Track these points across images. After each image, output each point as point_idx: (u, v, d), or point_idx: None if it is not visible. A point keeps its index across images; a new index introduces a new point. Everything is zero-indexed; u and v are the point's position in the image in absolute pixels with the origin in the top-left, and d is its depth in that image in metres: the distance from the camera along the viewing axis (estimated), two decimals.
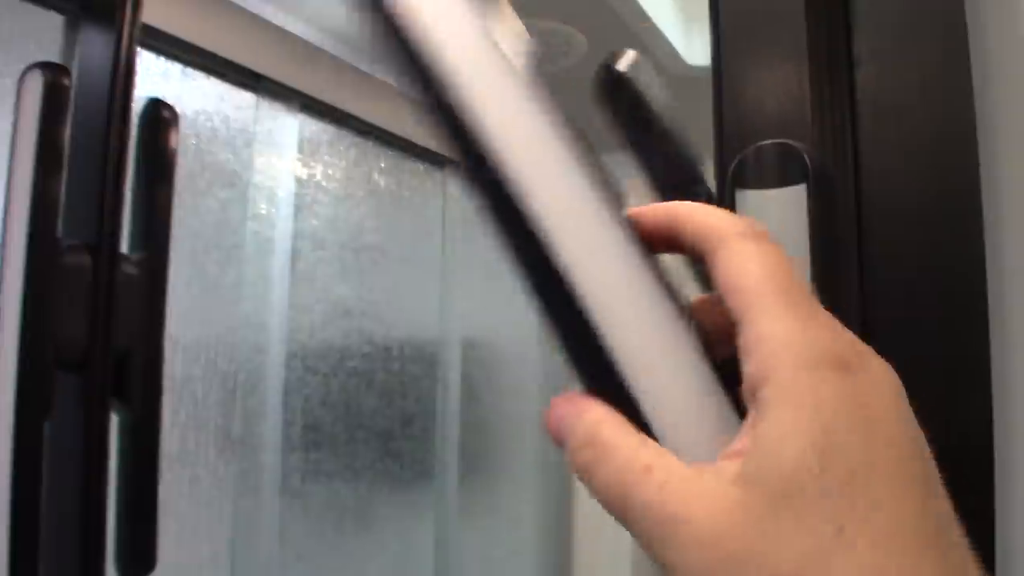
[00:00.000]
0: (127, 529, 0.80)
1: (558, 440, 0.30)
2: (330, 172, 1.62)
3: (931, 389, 0.50)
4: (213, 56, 1.33)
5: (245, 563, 1.36)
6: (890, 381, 0.25)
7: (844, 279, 0.49)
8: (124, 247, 0.78)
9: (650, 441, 0.27)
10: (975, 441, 0.49)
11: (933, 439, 0.48)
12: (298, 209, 1.52)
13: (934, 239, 0.51)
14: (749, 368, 0.25)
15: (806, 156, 0.47)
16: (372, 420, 1.69)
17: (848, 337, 0.25)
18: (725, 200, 0.49)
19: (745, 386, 0.25)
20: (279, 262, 1.45)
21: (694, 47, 2.00)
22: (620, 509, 0.27)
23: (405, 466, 1.79)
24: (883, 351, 0.49)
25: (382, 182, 1.77)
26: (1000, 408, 0.50)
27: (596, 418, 0.28)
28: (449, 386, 1.94)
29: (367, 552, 1.68)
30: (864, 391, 0.24)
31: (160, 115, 0.84)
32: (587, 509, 2.54)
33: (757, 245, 0.27)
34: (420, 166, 1.90)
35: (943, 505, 0.24)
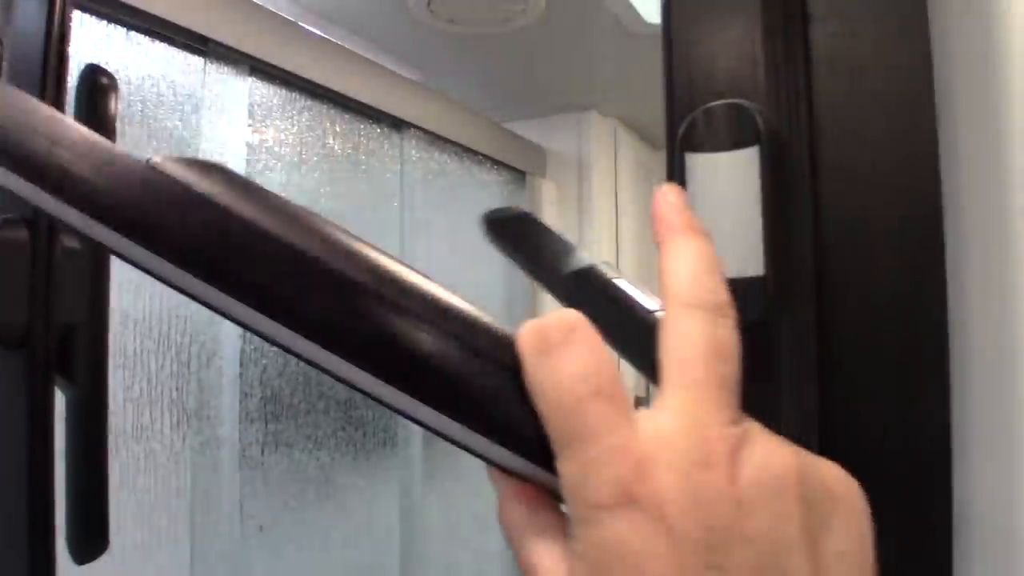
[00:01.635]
0: (77, 509, 0.79)
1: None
2: (282, 137, 1.59)
3: (887, 358, 0.49)
4: (158, 19, 1.29)
5: (205, 537, 1.34)
6: (677, 496, 0.24)
7: (798, 243, 0.47)
8: None
9: (545, 536, 0.27)
10: (932, 409, 0.49)
11: (888, 407, 0.47)
12: (250, 175, 1.49)
13: (890, 200, 0.50)
14: None
15: (758, 117, 0.46)
16: (332, 389, 1.67)
17: (629, 460, 0.25)
18: (675, 164, 0.47)
19: None
20: None
21: (653, 5, 1.97)
22: None
23: (368, 434, 1.78)
24: (838, 321, 0.47)
25: (337, 146, 1.74)
26: (958, 368, 0.50)
27: (506, 522, 0.29)
28: None
29: (331, 521, 1.68)
30: (640, 527, 0.24)
31: (98, 81, 0.81)
32: None
33: (546, 357, 0.27)
34: (376, 129, 1.87)
35: None
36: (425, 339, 0.27)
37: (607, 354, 0.27)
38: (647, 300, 0.34)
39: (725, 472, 0.24)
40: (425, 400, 0.27)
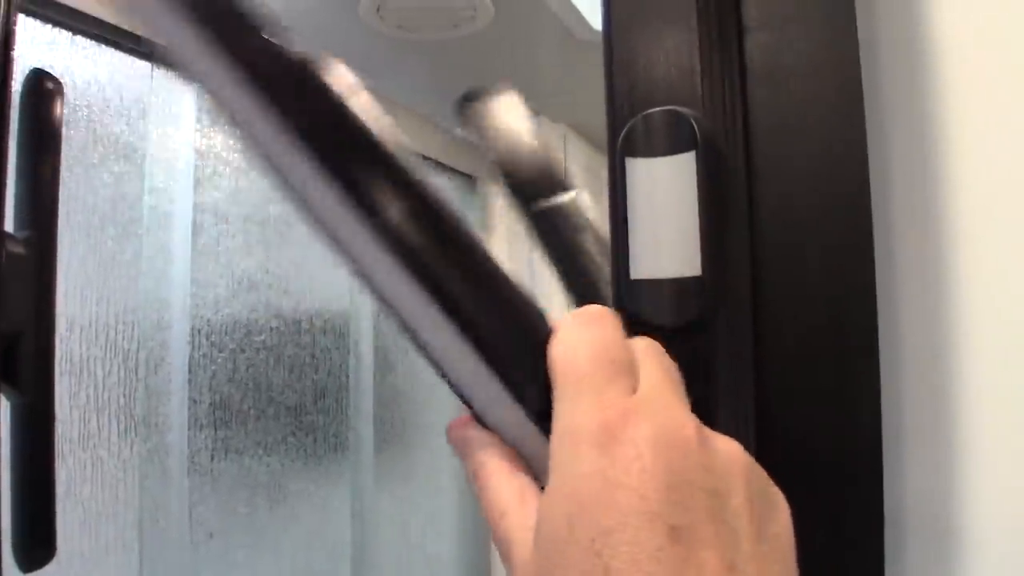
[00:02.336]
0: (23, 518, 0.78)
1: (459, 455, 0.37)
2: (231, 143, 1.58)
3: (820, 356, 0.51)
4: (104, 23, 1.28)
5: (154, 544, 1.33)
6: (653, 442, 0.28)
7: (734, 245, 0.49)
8: (9, 226, 0.75)
9: (515, 482, 0.33)
10: (863, 406, 0.50)
11: (821, 405, 0.48)
12: (198, 182, 1.48)
13: (822, 202, 0.52)
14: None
15: (695, 123, 0.47)
16: (283, 395, 1.67)
17: (618, 408, 0.29)
18: (616, 169, 0.49)
19: None
20: (179, 236, 1.41)
21: (599, 12, 2.00)
22: (492, 528, 0.33)
23: (319, 439, 1.77)
24: (773, 320, 0.49)
25: None
26: (889, 365, 0.52)
27: (479, 460, 0.35)
28: (361, 357, 1.93)
29: (282, 527, 1.67)
30: (618, 461, 0.28)
31: (43, 87, 0.80)
32: None
33: (576, 328, 0.33)
34: None
35: (694, 555, 0.27)
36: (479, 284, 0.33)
37: (623, 337, 0.33)
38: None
39: (696, 438, 0.29)
40: (459, 326, 0.33)
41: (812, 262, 0.51)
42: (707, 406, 0.40)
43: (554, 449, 0.30)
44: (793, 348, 0.51)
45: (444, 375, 0.35)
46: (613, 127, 0.48)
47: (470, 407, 0.35)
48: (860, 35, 0.53)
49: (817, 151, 0.52)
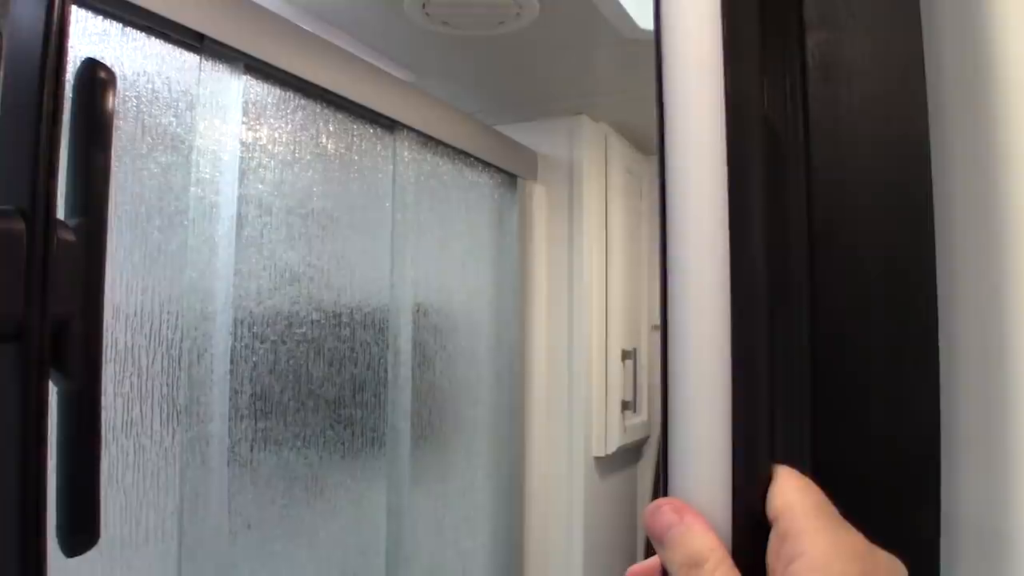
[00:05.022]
0: (69, 502, 0.79)
1: (654, 535, 0.40)
2: (276, 135, 1.59)
3: (877, 353, 0.50)
4: (154, 16, 1.29)
5: (193, 533, 1.34)
6: None
7: (794, 241, 0.48)
8: (60, 213, 0.76)
9: None
10: (921, 410, 0.49)
11: (878, 408, 0.47)
12: (243, 173, 1.49)
13: (882, 200, 0.51)
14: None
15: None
16: (322, 388, 1.67)
17: (870, 557, 0.36)
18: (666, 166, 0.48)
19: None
20: (224, 228, 1.42)
21: (646, 11, 1.98)
22: None
23: (356, 433, 1.78)
24: (829, 314, 0.48)
25: (330, 145, 1.74)
26: (947, 369, 0.50)
27: (707, 564, 0.37)
28: (400, 352, 1.93)
29: (319, 520, 1.68)
30: None
31: (96, 76, 0.81)
32: (539, 472, 2.56)
33: (801, 480, 0.38)
34: (369, 129, 1.87)
35: None
36: None
37: None
38: None
39: None
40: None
41: (870, 259, 0.50)
42: (769, 408, 0.39)
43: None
44: (849, 349, 0.50)
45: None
46: (660, 128, 0.47)
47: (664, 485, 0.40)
48: (925, 33, 0.52)
49: (878, 148, 0.51)
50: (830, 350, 0.50)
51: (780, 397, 0.49)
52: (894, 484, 0.52)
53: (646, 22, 1.99)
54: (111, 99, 0.82)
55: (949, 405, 0.51)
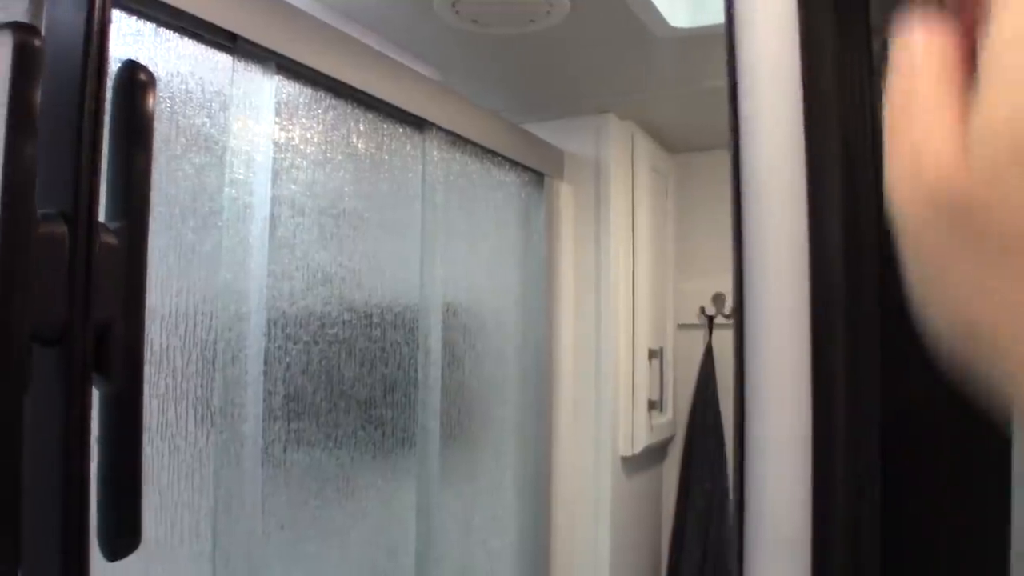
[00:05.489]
0: (111, 506, 0.79)
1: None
2: (308, 135, 1.59)
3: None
4: (188, 16, 1.29)
5: (227, 534, 1.34)
6: None
7: (867, 237, 0.47)
8: (101, 216, 0.75)
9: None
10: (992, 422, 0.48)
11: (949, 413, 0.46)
12: (276, 174, 1.49)
13: None
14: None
15: None
16: (353, 388, 1.67)
17: None
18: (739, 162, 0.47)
19: None
20: (257, 229, 1.42)
21: (677, 9, 1.97)
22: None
23: (387, 433, 1.78)
24: (900, 316, 0.47)
25: (361, 145, 1.74)
26: None
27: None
28: (430, 352, 1.93)
29: (350, 520, 1.68)
30: None
31: (136, 78, 0.81)
32: (566, 471, 2.55)
33: None
34: (400, 129, 1.86)
35: None
36: None
37: None
38: None
39: None
40: None
41: None
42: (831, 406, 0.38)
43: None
44: (920, 346, 0.49)
45: None
46: (735, 122, 0.46)
47: None
48: None
49: None
50: (900, 345, 0.49)
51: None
52: (963, 490, 0.51)
53: (676, 19, 1.97)
54: (151, 101, 0.81)
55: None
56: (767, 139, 0.42)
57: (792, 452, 0.38)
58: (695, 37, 2.02)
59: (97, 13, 0.78)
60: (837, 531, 0.44)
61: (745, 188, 0.43)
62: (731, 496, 0.45)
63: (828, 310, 0.40)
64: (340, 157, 1.67)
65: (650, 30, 1.98)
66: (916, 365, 0.49)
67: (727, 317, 3.06)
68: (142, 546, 1.20)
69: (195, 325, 1.30)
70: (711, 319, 3.10)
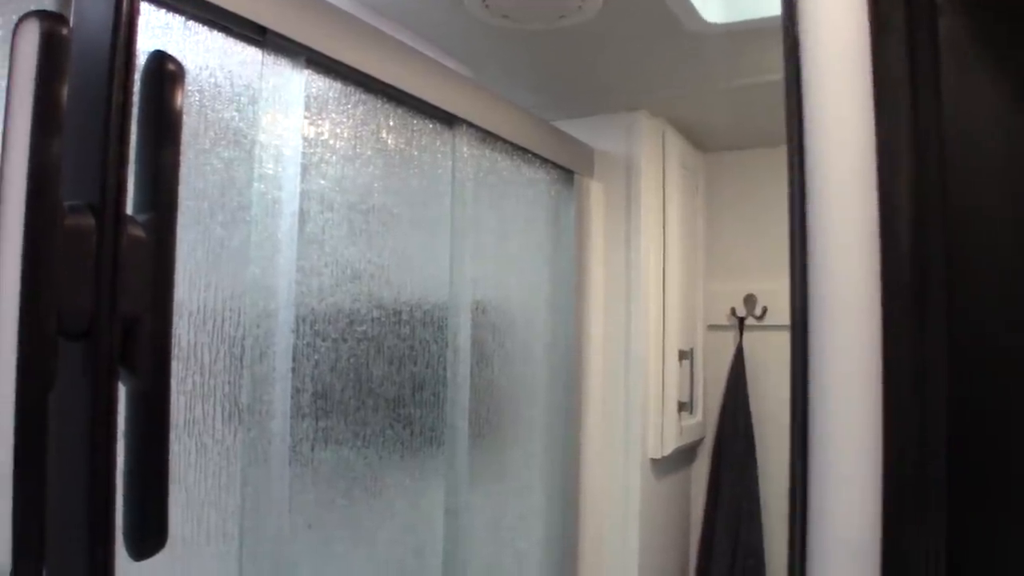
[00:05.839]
0: (137, 503, 0.77)
1: None
2: (337, 130, 1.57)
3: (1011, 359, 0.46)
4: (217, 8, 1.28)
5: (255, 532, 1.33)
6: None
7: (932, 236, 0.45)
8: (129, 208, 0.74)
9: None
10: None
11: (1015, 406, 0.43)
12: (305, 169, 1.47)
13: (1015, 197, 0.47)
14: None
15: None
16: (382, 386, 1.65)
17: None
18: (796, 157, 0.45)
19: None
20: (286, 224, 1.41)
21: (711, 3, 1.94)
22: None
23: (415, 432, 1.76)
24: (966, 322, 0.43)
25: (390, 141, 1.72)
26: None
27: None
28: (459, 350, 1.91)
29: (377, 520, 1.66)
30: None
31: (165, 69, 0.79)
32: (595, 472, 2.53)
33: None
34: (429, 124, 1.85)
35: None
36: None
37: None
38: None
39: None
40: None
41: (1004, 252, 0.47)
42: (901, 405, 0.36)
43: None
44: (985, 353, 0.47)
45: None
46: (798, 117, 0.44)
47: None
48: None
49: (1014, 143, 0.47)
50: (966, 350, 0.46)
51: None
52: None
53: (710, 14, 1.94)
54: (180, 93, 0.80)
55: None
56: (833, 130, 0.40)
57: (860, 453, 0.36)
58: (729, 33, 1.99)
59: (125, 2, 0.77)
60: (905, 534, 0.41)
61: (809, 183, 0.41)
62: (788, 497, 0.43)
63: (900, 308, 0.38)
64: (369, 152, 1.66)
65: (684, 25, 1.95)
66: (986, 365, 0.47)
67: (758, 319, 3.02)
68: (169, 545, 1.19)
69: (223, 321, 1.29)
70: (742, 320, 3.06)
